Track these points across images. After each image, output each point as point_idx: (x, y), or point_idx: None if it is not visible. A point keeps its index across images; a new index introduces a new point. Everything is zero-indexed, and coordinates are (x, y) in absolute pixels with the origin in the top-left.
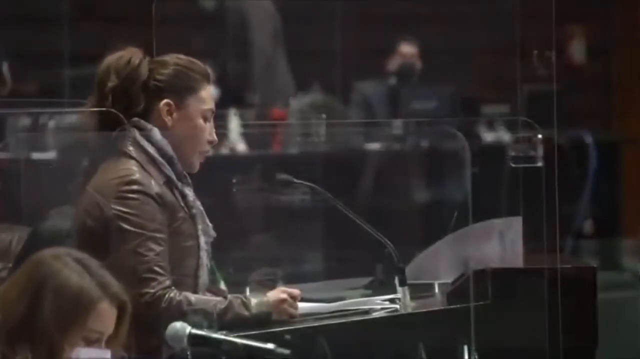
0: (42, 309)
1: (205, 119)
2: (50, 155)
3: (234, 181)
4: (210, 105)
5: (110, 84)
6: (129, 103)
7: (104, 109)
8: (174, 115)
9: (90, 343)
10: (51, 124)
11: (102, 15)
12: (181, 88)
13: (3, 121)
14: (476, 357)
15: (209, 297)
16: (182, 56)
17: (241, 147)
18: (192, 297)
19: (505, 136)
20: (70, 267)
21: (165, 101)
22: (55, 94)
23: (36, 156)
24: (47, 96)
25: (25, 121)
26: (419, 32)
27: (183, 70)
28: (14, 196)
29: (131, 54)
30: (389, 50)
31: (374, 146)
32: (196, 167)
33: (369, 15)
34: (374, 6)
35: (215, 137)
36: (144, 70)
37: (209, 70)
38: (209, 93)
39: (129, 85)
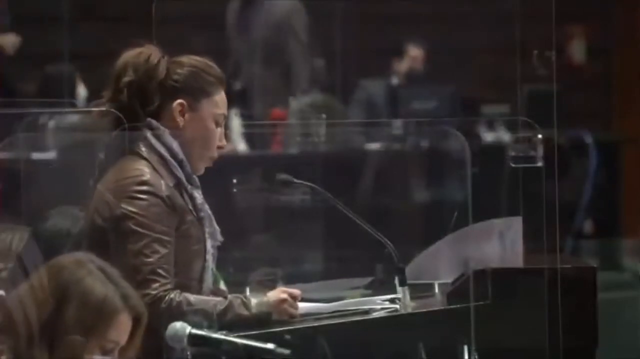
0: (65, 315)
1: (217, 124)
2: (50, 155)
3: (235, 181)
4: (223, 110)
5: (126, 79)
6: (143, 100)
7: (104, 109)
8: (187, 116)
9: (105, 352)
10: (51, 124)
11: (102, 15)
12: (196, 90)
13: (3, 121)
14: (476, 357)
15: (209, 297)
16: (198, 58)
17: (241, 147)
18: (192, 297)
19: (505, 136)
20: (94, 275)
21: (179, 100)
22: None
23: (36, 156)
24: (47, 96)
25: (26, 121)
26: (419, 32)
27: (199, 73)
28: (14, 196)
29: (150, 51)
30: (388, 50)
31: (374, 146)
32: (201, 171)
33: (369, 15)
34: (374, 6)
35: (224, 142)
36: (162, 69)
37: (223, 75)
38: (222, 98)
39: (145, 83)
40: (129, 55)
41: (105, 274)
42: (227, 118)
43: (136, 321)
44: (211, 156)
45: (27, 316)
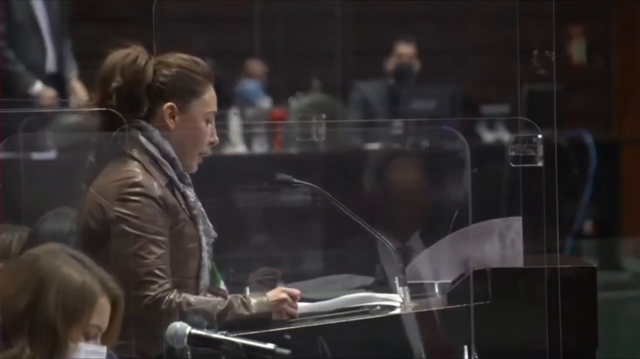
0: (45, 304)
1: (208, 122)
2: (50, 155)
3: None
4: (213, 107)
5: (114, 84)
6: (133, 104)
7: (104, 109)
8: (177, 118)
9: (88, 338)
10: (51, 124)
11: (102, 16)
12: (185, 92)
13: (3, 121)
14: (476, 357)
15: (208, 298)
16: (185, 56)
17: (241, 147)
18: (192, 298)
19: (505, 136)
20: (69, 263)
21: (168, 104)
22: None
23: (36, 156)
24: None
25: (26, 121)
26: (419, 32)
27: (186, 73)
28: (14, 196)
29: (137, 53)
30: (389, 50)
31: (374, 146)
32: (194, 168)
33: (369, 15)
34: (373, 6)
35: (216, 138)
36: (150, 72)
37: (211, 71)
38: (211, 95)
39: (134, 87)
40: (116, 57)
41: (79, 261)
42: (217, 114)
43: (114, 304)
44: (202, 153)
45: (4, 309)
